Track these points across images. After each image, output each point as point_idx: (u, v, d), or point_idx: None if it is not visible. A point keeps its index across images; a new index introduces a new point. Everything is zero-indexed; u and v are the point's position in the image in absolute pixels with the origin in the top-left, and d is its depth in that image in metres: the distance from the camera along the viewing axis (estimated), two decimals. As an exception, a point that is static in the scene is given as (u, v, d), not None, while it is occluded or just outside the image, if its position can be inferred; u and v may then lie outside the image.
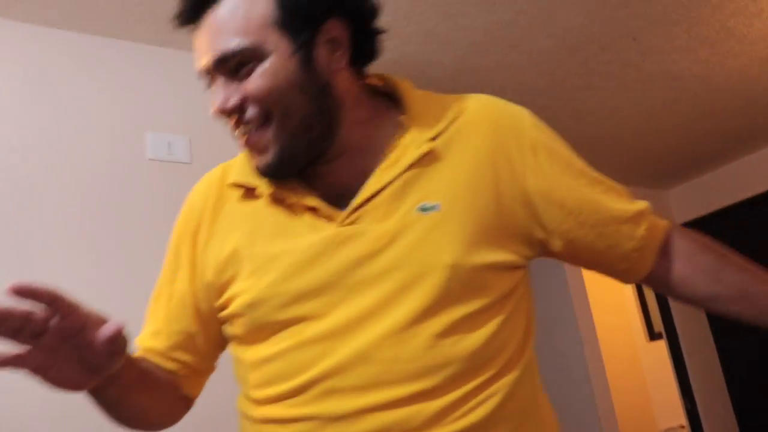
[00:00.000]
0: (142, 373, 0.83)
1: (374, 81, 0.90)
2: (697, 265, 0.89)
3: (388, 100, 0.89)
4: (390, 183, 0.81)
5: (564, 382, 3.63)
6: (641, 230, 0.87)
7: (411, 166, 0.82)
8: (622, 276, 0.91)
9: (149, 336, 0.91)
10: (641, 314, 4.97)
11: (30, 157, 1.83)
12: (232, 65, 0.78)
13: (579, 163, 0.89)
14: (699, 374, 4.03)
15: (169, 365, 0.90)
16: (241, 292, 0.82)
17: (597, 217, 0.86)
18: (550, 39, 2.52)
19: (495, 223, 0.81)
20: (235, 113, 0.79)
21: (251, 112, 0.79)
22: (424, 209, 0.80)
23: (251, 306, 0.81)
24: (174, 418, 0.91)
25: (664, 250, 0.90)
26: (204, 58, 0.80)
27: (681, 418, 4.22)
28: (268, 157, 0.80)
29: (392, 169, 0.82)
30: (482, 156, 0.83)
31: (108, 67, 2.04)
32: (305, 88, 0.78)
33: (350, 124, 0.83)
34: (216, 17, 0.78)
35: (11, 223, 1.74)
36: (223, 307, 0.85)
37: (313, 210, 0.82)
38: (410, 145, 0.83)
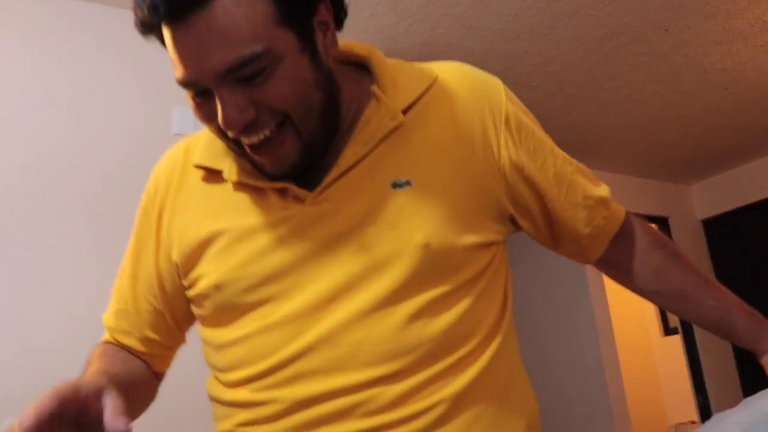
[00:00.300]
0: (126, 395, 0.80)
1: (342, 50, 0.84)
2: (647, 260, 0.92)
3: (358, 70, 0.85)
4: (362, 159, 0.78)
5: (578, 369, 3.63)
6: (598, 218, 0.88)
7: (382, 140, 0.78)
8: (571, 256, 0.93)
9: (117, 315, 0.90)
10: (657, 308, 4.94)
11: (55, 131, 1.85)
12: (245, 74, 0.69)
13: (549, 142, 0.87)
14: (713, 370, 4.02)
15: (140, 347, 0.89)
16: (206, 274, 0.80)
17: (560, 200, 0.85)
18: (580, 28, 2.49)
19: (469, 199, 0.79)
20: (251, 126, 0.72)
21: (267, 118, 0.72)
22: (396, 185, 0.77)
23: (216, 288, 0.79)
24: (152, 400, 0.91)
25: (618, 240, 0.91)
26: (201, 69, 0.69)
27: (692, 415, 4.21)
28: (291, 158, 0.75)
29: (363, 144, 0.78)
30: (457, 127, 0.80)
31: (134, 41, 2.05)
32: (320, 82, 0.74)
33: (342, 103, 0.80)
34: (210, 21, 0.67)
35: (38, 200, 1.76)
36: (189, 287, 0.83)
37: (281, 191, 0.79)
38: (382, 118, 0.79)
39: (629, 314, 4.86)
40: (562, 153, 0.88)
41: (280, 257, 0.76)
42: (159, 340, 0.89)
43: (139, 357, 0.90)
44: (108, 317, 0.91)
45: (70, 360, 1.49)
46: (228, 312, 0.79)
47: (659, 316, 4.94)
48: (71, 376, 0.82)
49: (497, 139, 0.81)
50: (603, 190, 0.90)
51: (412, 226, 0.75)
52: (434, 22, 2.35)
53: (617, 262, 0.93)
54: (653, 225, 4.11)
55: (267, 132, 0.73)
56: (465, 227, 0.77)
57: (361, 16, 2.26)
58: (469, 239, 0.78)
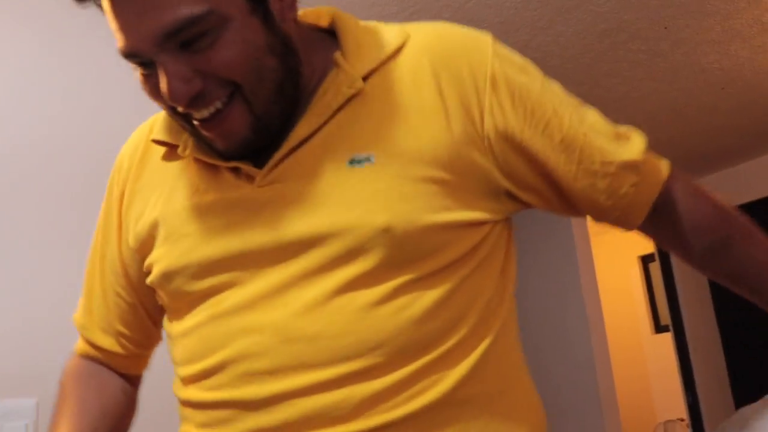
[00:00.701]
0: None
1: (309, 18, 0.77)
2: (690, 244, 0.78)
3: (331, 38, 0.76)
4: (315, 133, 0.69)
5: (568, 365, 3.65)
6: (625, 186, 0.74)
7: (339, 111, 0.69)
8: (609, 224, 0.79)
9: (87, 310, 0.85)
10: (648, 306, 4.97)
11: (46, 116, 1.83)
12: (186, 38, 0.62)
13: (553, 100, 0.73)
14: (703, 369, 4.04)
15: (115, 347, 0.83)
16: (157, 261, 0.74)
17: (570, 169, 0.72)
18: (580, 23, 2.49)
19: (446, 175, 0.68)
20: (198, 98, 0.65)
21: (216, 89, 0.65)
22: (354, 162, 0.67)
23: (165, 276, 0.73)
24: (132, 417, 0.88)
25: (661, 209, 0.77)
26: (139, 35, 0.63)
27: (681, 412, 4.24)
28: (241, 133, 0.68)
29: (317, 116, 0.69)
30: (429, 94, 0.70)
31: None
32: (274, 47, 0.66)
33: (303, 78, 0.72)
34: None
35: (27, 187, 1.76)
36: (147, 275, 0.78)
37: (235, 169, 0.71)
38: (339, 86, 0.69)
39: (620, 311, 4.88)
40: (570, 111, 0.74)
41: (228, 243, 0.69)
42: (132, 336, 0.84)
43: (114, 368, 0.86)
44: (78, 314, 0.86)
45: (48, 352, 1.50)
46: (180, 300, 0.73)
47: (651, 313, 4.97)
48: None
49: (479, 106, 0.70)
50: (630, 150, 0.74)
51: (370, 208, 0.65)
52: (435, 13, 2.35)
53: (661, 234, 0.80)
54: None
55: (218, 104, 0.66)
56: (439, 206, 0.67)
57: (363, 5, 2.26)
58: (445, 218, 0.67)
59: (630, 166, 0.74)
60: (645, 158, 0.75)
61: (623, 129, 0.77)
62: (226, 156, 0.70)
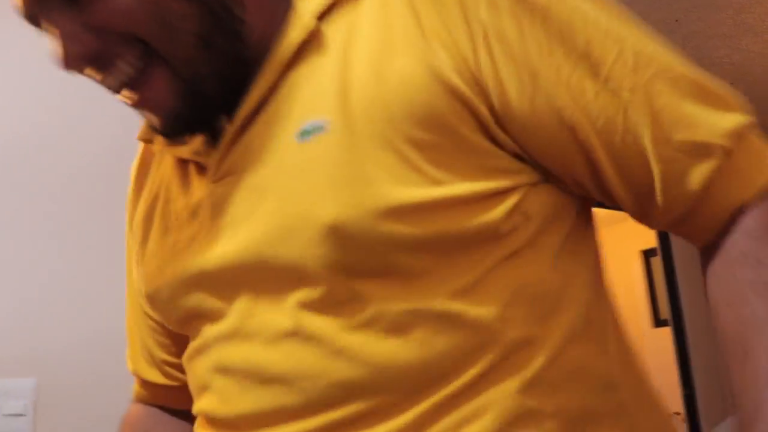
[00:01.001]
0: None
1: None
2: (723, 279, 0.51)
3: None
4: (266, 100, 0.54)
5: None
6: (694, 181, 0.48)
7: (293, 66, 0.54)
8: (671, 231, 0.54)
9: (131, 345, 0.77)
10: (648, 300, 4.97)
11: (45, 107, 1.83)
12: None
13: (590, 28, 0.49)
14: (701, 364, 4.05)
15: (161, 380, 0.74)
16: (140, 281, 0.65)
17: (606, 141, 0.49)
18: (591, 13, 2.48)
19: (430, 136, 0.48)
20: (99, 59, 0.53)
21: (117, 47, 0.52)
22: (304, 135, 0.51)
23: (148, 299, 0.63)
24: None
25: (727, 230, 0.50)
26: None
27: (677, 406, 4.26)
28: (168, 102, 0.54)
29: (267, 77, 0.54)
30: (401, 25, 0.51)
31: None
32: None
33: (252, 28, 0.56)
34: None
35: (35, 176, 1.76)
36: None
37: (199, 163, 0.60)
38: (290, 32, 0.54)
39: (621, 304, 4.88)
40: (619, 48, 0.49)
41: (191, 262, 0.56)
42: (177, 363, 0.73)
43: (172, 407, 0.77)
44: (129, 354, 0.78)
45: (48, 332, 1.50)
46: (174, 326, 0.64)
47: (650, 307, 4.97)
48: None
49: (470, 38, 0.49)
50: (714, 126, 0.48)
51: (316, 199, 0.49)
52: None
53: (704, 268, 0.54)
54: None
55: (128, 69, 0.53)
56: (425, 179, 0.48)
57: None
58: (433, 195, 0.48)
59: (703, 150, 0.48)
60: (736, 144, 0.49)
61: (715, 88, 0.51)
62: (166, 135, 0.57)
